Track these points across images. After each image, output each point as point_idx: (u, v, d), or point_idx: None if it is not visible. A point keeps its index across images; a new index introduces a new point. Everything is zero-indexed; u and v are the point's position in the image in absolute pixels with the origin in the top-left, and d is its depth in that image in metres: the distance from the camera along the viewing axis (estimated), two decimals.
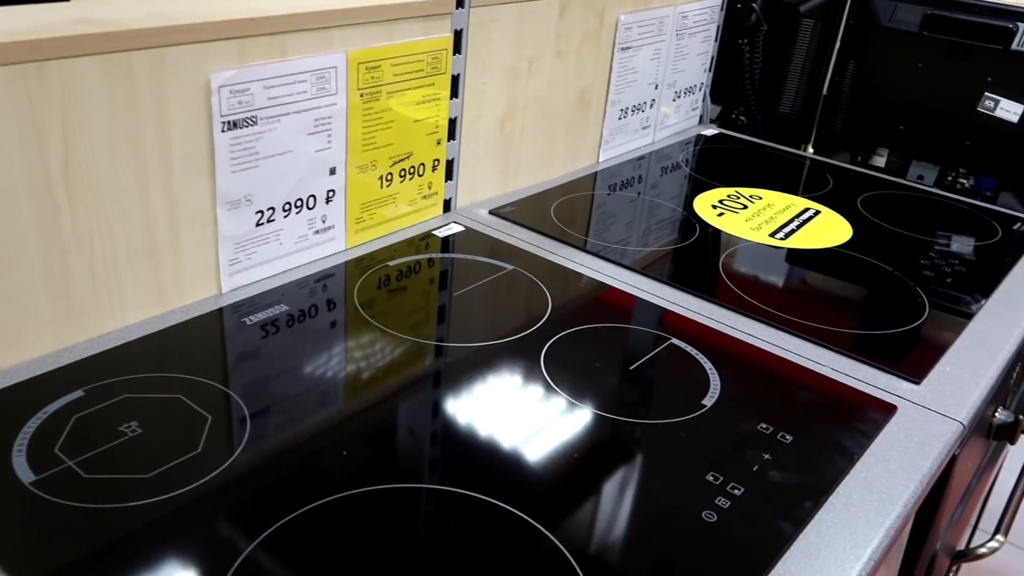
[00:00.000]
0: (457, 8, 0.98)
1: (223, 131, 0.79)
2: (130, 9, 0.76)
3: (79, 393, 0.68)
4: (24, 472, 0.60)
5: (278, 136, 0.84)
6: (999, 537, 0.95)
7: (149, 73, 0.73)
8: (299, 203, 0.89)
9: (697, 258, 1.03)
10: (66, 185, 0.70)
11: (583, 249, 1.02)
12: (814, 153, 1.51)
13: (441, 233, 1.03)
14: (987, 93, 1.33)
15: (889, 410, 0.78)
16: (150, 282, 0.79)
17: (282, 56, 0.82)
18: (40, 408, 0.66)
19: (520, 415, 0.72)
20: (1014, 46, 1.29)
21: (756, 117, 1.52)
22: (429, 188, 1.04)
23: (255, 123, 0.82)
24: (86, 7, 0.75)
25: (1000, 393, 0.97)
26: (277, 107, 0.83)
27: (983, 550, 0.96)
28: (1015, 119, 1.31)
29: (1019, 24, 1.29)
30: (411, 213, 1.03)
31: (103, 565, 0.54)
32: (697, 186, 1.24)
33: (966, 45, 1.33)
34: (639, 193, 1.21)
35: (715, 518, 0.63)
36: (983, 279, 1.04)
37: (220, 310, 0.84)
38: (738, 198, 1.20)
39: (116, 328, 0.78)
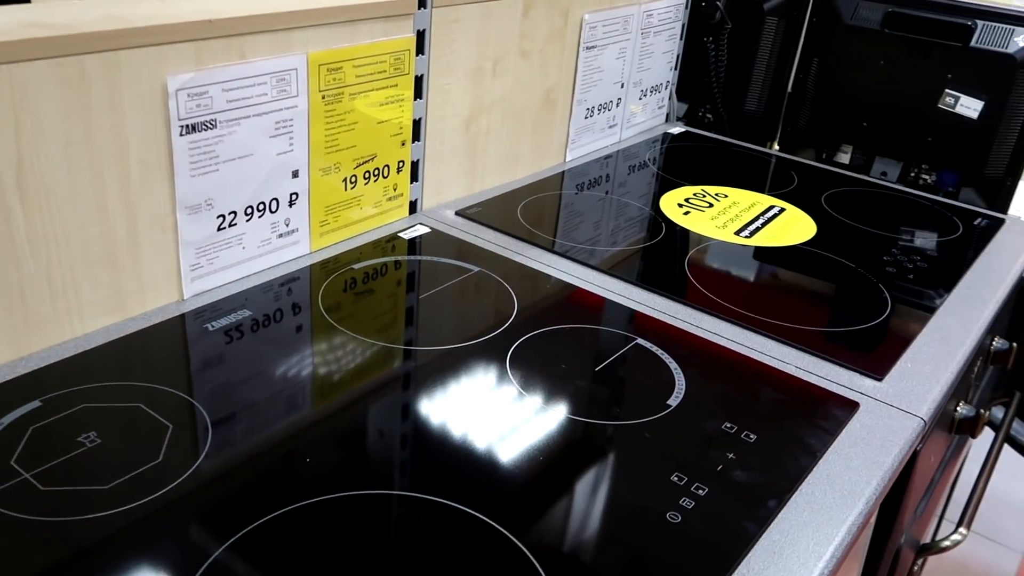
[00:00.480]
0: (419, 8, 0.97)
1: (181, 135, 0.78)
2: (84, 12, 0.75)
3: (36, 404, 0.67)
4: None
5: (238, 139, 0.83)
6: (962, 530, 0.97)
7: (104, 77, 0.72)
8: (262, 207, 0.88)
9: (663, 257, 1.04)
10: (19, 191, 0.69)
11: (549, 250, 1.02)
12: (780, 150, 1.52)
13: (407, 235, 1.02)
14: (947, 90, 1.34)
15: (852, 407, 0.79)
16: (109, 289, 0.78)
17: (241, 58, 0.81)
18: None
19: (485, 418, 0.72)
20: (973, 43, 1.31)
21: (722, 115, 1.53)
22: (394, 190, 1.03)
23: (214, 126, 0.81)
24: (39, 10, 0.74)
25: (962, 387, 0.99)
26: (237, 110, 0.82)
27: (947, 543, 0.97)
28: (975, 115, 1.33)
29: (977, 21, 1.31)
30: (376, 215, 1.03)
31: None
32: (664, 185, 1.25)
33: (926, 42, 1.34)
34: (607, 192, 1.21)
35: (679, 519, 0.63)
36: (944, 274, 1.06)
37: (182, 316, 0.82)
38: (704, 196, 1.21)
39: (75, 336, 0.77)
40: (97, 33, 0.71)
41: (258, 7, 0.83)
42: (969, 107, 1.33)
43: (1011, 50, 1.29)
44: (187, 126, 0.79)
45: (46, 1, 0.76)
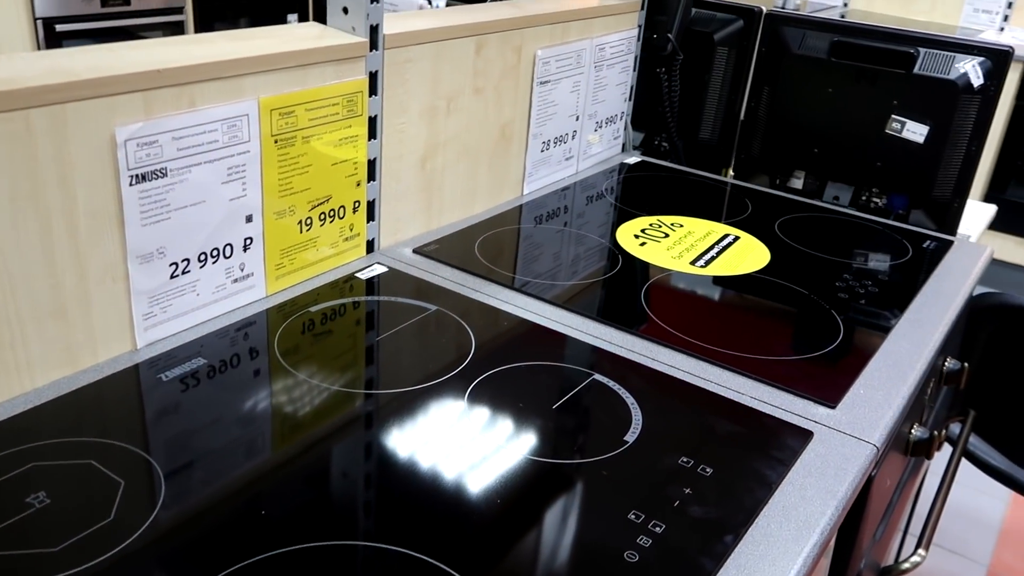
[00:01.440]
0: (371, 51, 0.98)
1: (131, 184, 0.78)
2: (30, 65, 0.75)
3: None
4: None
5: (190, 186, 0.83)
6: (921, 551, 0.98)
7: (50, 130, 0.72)
8: (215, 252, 0.88)
9: (620, 290, 1.05)
10: None
11: (507, 286, 1.03)
12: (734, 177, 1.54)
13: (364, 275, 1.02)
14: (894, 116, 1.38)
15: (806, 436, 0.80)
16: (60, 342, 0.77)
17: (191, 106, 0.81)
18: None
19: (444, 462, 0.72)
20: (916, 70, 1.35)
21: (677, 144, 1.55)
22: (351, 230, 1.03)
23: (165, 175, 0.81)
24: None
25: (915, 410, 1.01)
26: (188, 157, 0.82)
27: (906, 565, 0.99)
28: (921, 140, 1.37)
29: (920, 49, 1.34)
30: (333, 256, 1.03)
31: None
32: (621, 215, 1.26)
33: (872, 70, 1.38)
34: (565, 224, 1.22)
35: (637, 558, 0.64)
36: (895, 298, 1.08)
37: (136, 366, 0.82)
38: (660, 226, 1.22)
39: (24, 391, 0.76)
40: (43, 87, 0.71)
41: (207, 55, 0.83)
42: (915, 132, 1.37)
43: (952, 76, 1.32)
44: (137, 175, 0.78)
45: None
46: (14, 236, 0.71)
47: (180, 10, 2.91)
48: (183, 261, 0.85)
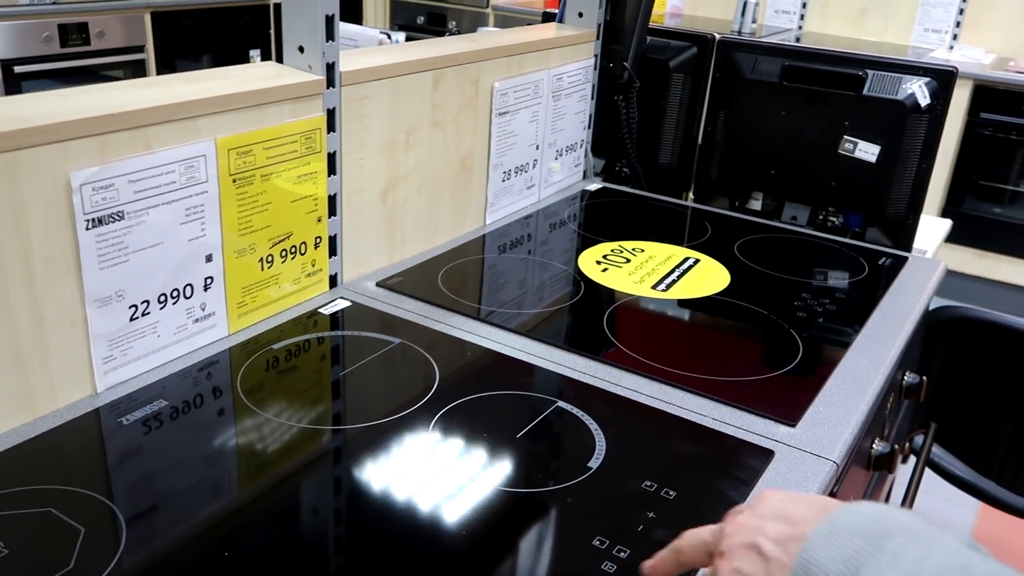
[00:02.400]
0: (328, 88, 0.99)
1: (88, 229, 0.78)
2: None
3: None
4: None
5: (148, 228, 0.83)
6: None
7: (3, 177, 0.72)
8: (175, 293, 0.88)
9: (582, 317, 1.06)
10: None
11: (471, 316, 1.03)
12: (694, 200, 1.57)
13: (328, 310, 1.03)
14: (846, 136, 1.41)
15: (767, 455, 0.81)
16: (18, 389, 0.77)
17: (147, 149, 0.82)
18: None
19: (409, 494, 0.72)
20: (865, 92, 1.38)
21: (637, 169, 1.58)
22: (313, 266, 1.04)
23: (122, 218, 0.81)
24: None
25: (876, 425, 1.02)
26: (145, 199, 0.82)
27: None
28: (873, 159, 1.40)
29: (868, 71, 1.38)
30: (296, 292, 1.03)
31: None
32: (583, 242, 1.28)
33: (823, 92, 1.41)
34: (529, 252, 1.24)
35: None
36: (852, 315, 1.10)
37: (96, 411, 0.81)
38: (621, 252, 1.24)
39: None
40: None
41: (162, 97, 0.84)
42: (867, 151, 1.40)
43: (900, 96, 1.36)
44: (93, 219, 0.78)
45: None
46: None
47: (141, 48, 2.91)
48: (143, 303, 0.85)
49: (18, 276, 0.74)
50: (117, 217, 0.80)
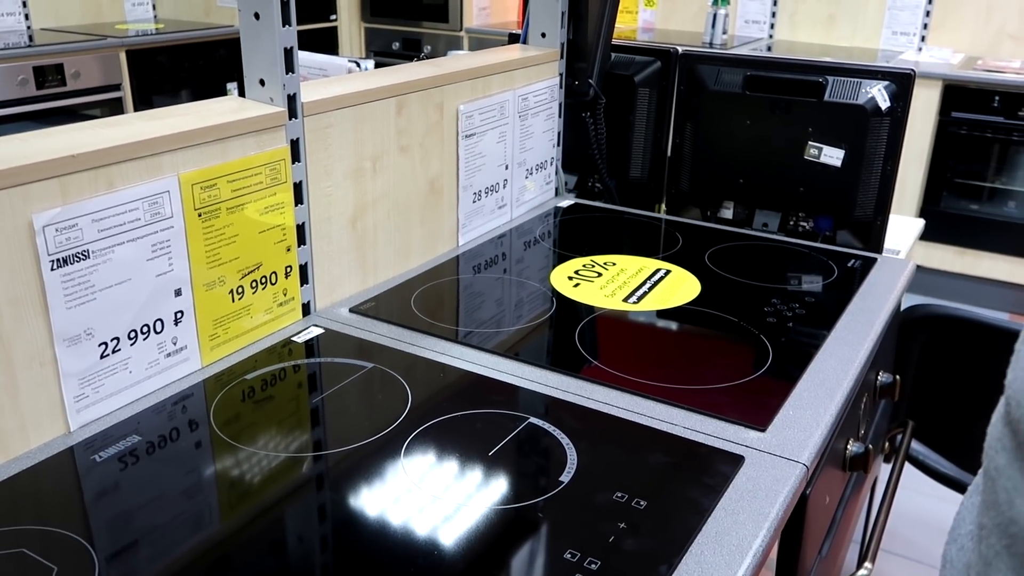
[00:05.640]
0: (291, 119, 1.00)
1: (52, 269, 0.79)
2: None
3: None
4: None
5: (114, 266, 0.84)
6: (867, 564, 1.00)
7: None
8: (145, 329, 0.89)
9: (553, 333, 1.07)
10: None
11: (443, 337, 1.04)
12: (667, 212, 1.58)
13: (301, 338, 1.03)
14: (810, 142, 1.43)
15: (737, 461, 0.82)
16: None
17: (109, 188, 0.83)
18: None
19: (380, 518, 0.73)
20: (827, 98, 1.40)
21: (609, 184, 1.59)
22: (284, 295, 1.04)
23: (87, 257, 0.81)
24: None
25: (849, 426, 1.03)
26: (109, 238, 0.83)
27: None
28: (838, 163, 1.42)
29: (828, 78, 1.40)
30: (269, 322, 1.03)
31: None
32: (557, 259, 1.29)
33: (785, 100, 1.43)
34: (505, 271, 1.25)
35: None
36: (821, 319, 1.11)
37: (70, 449, 0.81)
38: (593, 267, 1.25)
39: None
40: None
41: (122, 136, 0.85)
42: (832, 156, 1.42)
43: (861, 101, 1.38)
44: (58, 260, 0.79)
45: None
46: None
47: (118, 87, 2.93)
48: (112, 340, 0.85)
49: None
50: (82, 256, 0.81)
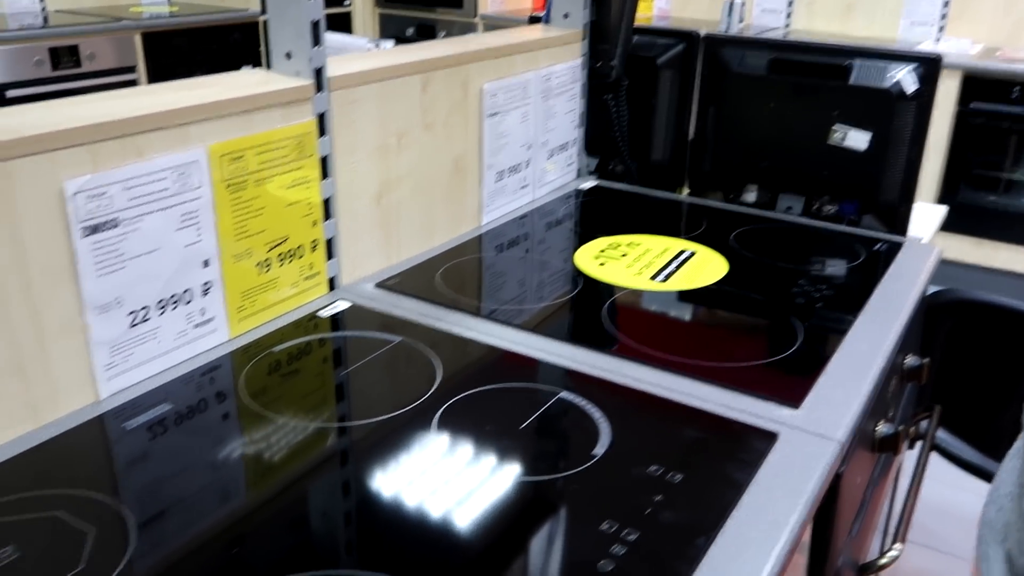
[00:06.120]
0: (317, 92, 0.99)
1: (83, 237, 0.78)
2: None
3: None
4: None
5: (143, 235, 0.83)
6: (898, 545, 0.99)
7: None
8: (174, 299, 0.88)
9: (581, 310, 1.06)
10: None
11: (470, 313, 1.04)
12: (689, 195, 1.57)
13: (327, 312, 1.03)
14: (835, 125, 1.42)
15: (771, 438, 0.81)
16: (19, 399, 0.77)
17: (139, 157, 0.82)
18: None
19: (415, 486, 0.72)
20: (852, 81, 1.39)
21: (630, 166, 1.58)
22: (311, 269, 1.04)
23: (117, 225, 0.81)
24: None
25: (879, 407, 1.02)
26: (139, 207, 0.82)
27: (884, 560, 0.99)
28: (863, 147, 1.40)
29: (854, 61, 1.39)
30: (295, 295, 1.03)
31: None
32: (579, 239, 1.28)
33: (811, 83, 1.42)
34: (527, 251, 1.24)
35: (612, 567, 0.64)
36: (851, 300, 1.10)
37: (100, 417, 0.81)
38: (617, 246, 1.24)
39: None
40: None
41: (152, 105, 0.84)
42: (857, 140, 1.41)
43: (887, 84, 1.37)
44: (88, 227, 0.79)
45: None
46: None
47: (132, 69, 2.92)
48: (142, 309, 0.85)
49: (15, 286, 0.74)
50: (112, 224, 0.81)
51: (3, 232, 0.73)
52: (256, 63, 3.29)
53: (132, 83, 2.92)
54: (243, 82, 0.96)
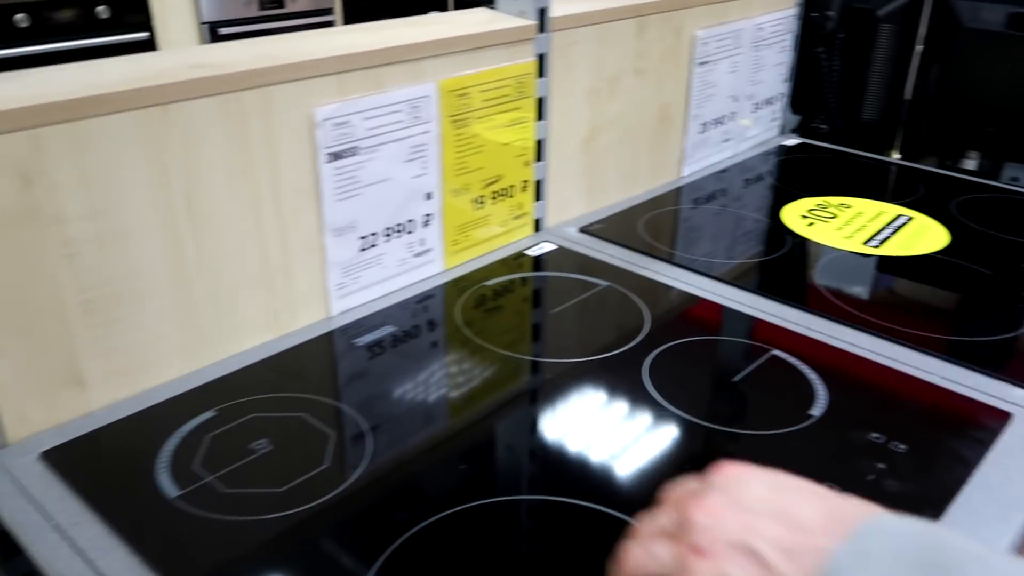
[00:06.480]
0: (540, 33, 1.00)
1: (327, 162, 0.83)
2: (238, 52, 0.81)
3: (211, 413, 0.72)
4: (168, 487, 0.64)
5: (377, 165, 0.87)
6: None
7: (259, 110, 0.77)
8: (399, 228, 0.92)
9: (790, 269, 1.03)
10: (190, 219, 0.74)
11: (675, 263, 1.03)
12: (901, 158, 1.48)
13: (533, 252, 1.05)
14: None
15: (1004, 418, 0.76)
16: (265, 308, 0.83)
17: (378, 88, 0.86)
18: (176, 428, 0.70)
19: (625, 428, 0.73)
20: None
21: (838, 124, 1.51)
22: (520, 208, 1.06)
23: (356, 153, 0.85)
24: (199, 52, 0.80)
25: None
26: (376, 137, 0.86)
27: None
28: None
29: None
30: (503, 234, 1.05)
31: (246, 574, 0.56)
32: (782, 197, 1.24)
33: None
34: (724, 206, 1.21)
35: None
36: None
37: (330, 333, 0.87)
38: (826, 207, 1.19)
39: (236, 352, 0.82)
40: (253, 71, 0.77)
41: (391, 39, 0.87)
42: None
43: None
44: (332, 154, 0.83)
45: (203, 45, 0.81)
46: (230, 210, 0.77)
47: (329, 11, 3.05)
48: (371, 235, 0.89)
49: (270, 204, 0.80)
50: (352, 152, 0.85)
51: (263, 152, 0.78)
52: (443, 7, 3.35)
53: (329, 24, 3.04)
54: (471, 20, 0.98)
